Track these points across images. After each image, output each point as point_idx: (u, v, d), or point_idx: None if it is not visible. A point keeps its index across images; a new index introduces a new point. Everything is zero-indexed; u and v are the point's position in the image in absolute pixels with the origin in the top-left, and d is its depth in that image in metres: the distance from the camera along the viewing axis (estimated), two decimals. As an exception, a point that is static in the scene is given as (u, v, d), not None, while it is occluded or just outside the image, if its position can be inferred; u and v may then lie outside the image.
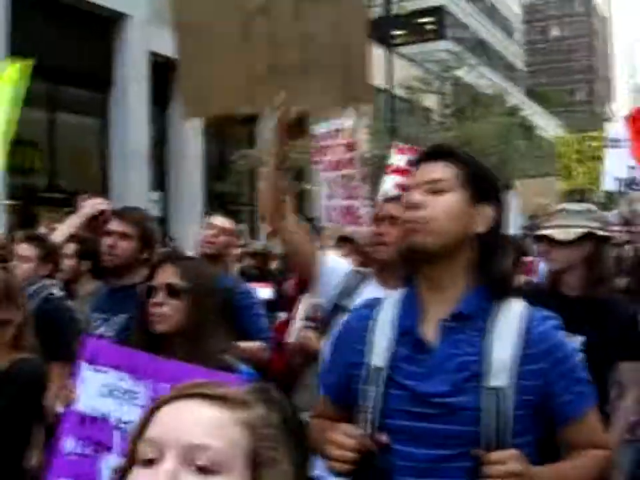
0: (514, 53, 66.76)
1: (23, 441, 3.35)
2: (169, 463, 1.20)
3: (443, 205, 2.15)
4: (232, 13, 3.25)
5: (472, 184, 2.19)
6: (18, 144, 15.49)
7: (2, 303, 3.34)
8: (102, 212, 4.74)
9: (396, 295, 2.33)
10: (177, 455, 1.20)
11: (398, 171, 7.03)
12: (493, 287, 2.18)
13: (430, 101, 27.57)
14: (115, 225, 4.12)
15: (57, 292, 4.84)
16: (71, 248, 5.38)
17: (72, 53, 16.45)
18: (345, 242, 5.02)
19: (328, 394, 2.46)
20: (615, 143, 8.48)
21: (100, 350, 2.93)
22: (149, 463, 1.22)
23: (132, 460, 1.26)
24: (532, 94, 65.75)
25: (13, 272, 3.52)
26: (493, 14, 61.14)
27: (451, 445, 2.04)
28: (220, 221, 5.32)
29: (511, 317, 2.14)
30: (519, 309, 2.18)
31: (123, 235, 4.06)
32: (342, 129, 7.33)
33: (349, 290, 3.47)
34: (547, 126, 50.24)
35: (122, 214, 4.24)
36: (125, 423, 2.71)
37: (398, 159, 7.19)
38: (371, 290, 3.44)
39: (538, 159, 28.57)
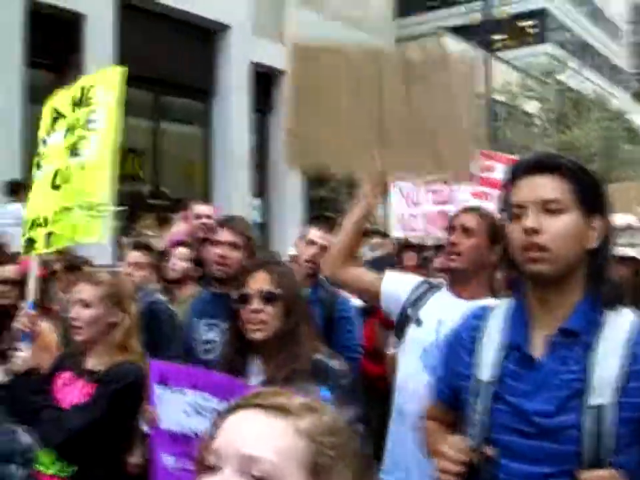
0: (619, 54, 64.94)
1: (122, 439, 3.49)
2: (225, 473, 1.26)
3: (562, 229, 2.07)
4: (346, 79, 3.39)
5: (585, 199, 2.11)
6: (124, 152, 16.10)
7: (111, 307, 3.50)
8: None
9: (504, 305, 2.30)
10: (234, 466, 1.26)
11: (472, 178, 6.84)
12: (602, 298, 2.13)
13: (531, 106, 27.10)
14: (224, 236, 4.14)
15: (161, 297, 5.02)
16: (185, 252, 5.57)
17: (176, 64, 16.85)
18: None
19: (438, 399, 2.49)
20: None
21: (168, 371, 2.99)
22: (212, 471, 1.29)
23: (201, 468, 1.33)
24: (639, 97, 63.77)
25: (122, 277, 3.68)
26: (596, 15, 59.60)
27: (552, 462, 2.01)
28: (319, 237, 4.99)
29: (619, 330, 2.08)
30: (628, 321, 2.11)
31: (233, 245, 4.09)
32: None
33: (415, 301, 3.51)
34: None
35: (230, 224, 4.25)
36: None
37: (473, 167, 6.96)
38: (440, 297, 3.47)
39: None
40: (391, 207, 7.49)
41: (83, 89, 3.98)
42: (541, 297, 2.16)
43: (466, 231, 3.45)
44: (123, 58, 15.01)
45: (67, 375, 3.51)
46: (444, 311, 3.39)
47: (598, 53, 58.13)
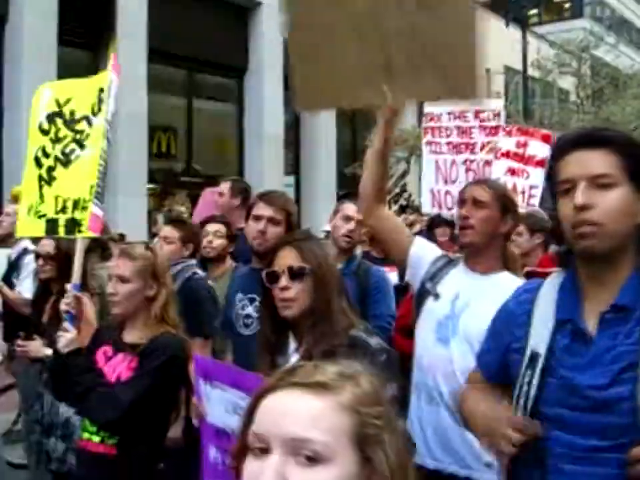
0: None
1: (165, 413, 3.56)
2: (274, 457, 1.26)
3: (613, 204, 2.05)
4: (343, 10, 3.35)
5: (635, 173, 2.08)
6: (158, 129, 16.18)
7: (148, 281, 3.56)
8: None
9: (555, 280, 2.28)
10: (282, 448, 1.26)
11: (507, 154, 6.69)
12: None
13: (567, 82, 26.75)
14: (263, 210, 4.12)
15: (199, 272, 5.06)
16: (219, 228, 5.59)
17: (209, 41, 16.88)
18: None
19: (484, 371, 2.48)
20: None
21: (211, 368, 2.99)
22: (259, 453, 1.29)
23: (243, 448, 1.34)
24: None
25: (157, 251, 3.74)
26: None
27: (607, 435, 2.00)
28: (354, 211, 4.92)
29: None
30: None
31: (272, 220, 4.08)
32: (481, 110, 6.96)
33: (434, 274, 3.54)
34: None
35: (270, 199, 4.23)
36: None
37: (506, 142, 6.79)
38: (457, 273, 3.48)
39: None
40: (423, 181, 7.35)
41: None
42: (592, 273, 2.15)
43: (477, 203, 3.46)
44: (155, 35, 15.07)
45: (107, 349, 3.58)
46: (460, 285, 3.43)
47: (636, 28, 57.21)
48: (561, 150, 2.19)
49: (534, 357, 2.16)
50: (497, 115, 7.07)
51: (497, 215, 3.47)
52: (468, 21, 3.26)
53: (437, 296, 3.48)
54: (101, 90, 3.94)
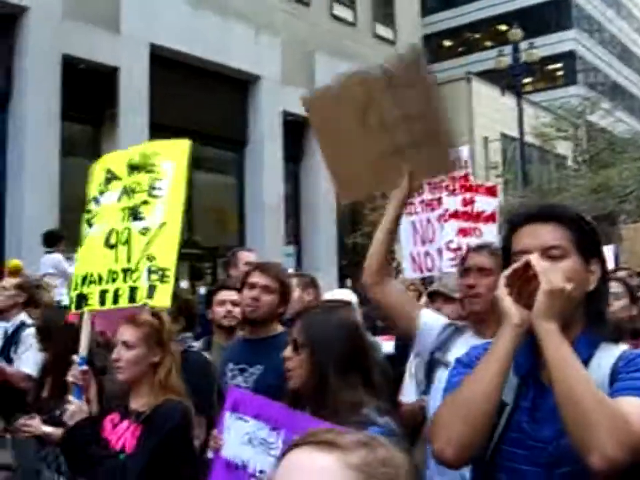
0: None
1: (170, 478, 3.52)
2: None
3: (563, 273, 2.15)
4: (350, 111, 3.59)
5: (584, 246, 2.21)
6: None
7: (153, 348, 3.59)
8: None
9: None
10: None
11: (456, 214, 6.47)
12: (598, 334, 2.21)
13: (563, 147, 27.05)
14: (257, 278, 4.23)
15: (195, 344, 5.00)
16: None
17: (209, 115, 17.11)
18: (437, 296, 4.74)
19: None
20: None
21: (242, 399, 3.10)
22: None
23: None
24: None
25: (164, 318, 3.75)
26: (626, 56, 59.68)
27: None
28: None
29: (603, 361, 2.15)
30: (617, 353, 2.17)
31: (266, 288, 4.19)
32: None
33: (444, 344, 3.53)
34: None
35: (264, 268, 4.37)
36: (260, 472, 2.82)
37: (452, 201, 6.51)
38: (465, 341, 3.45)
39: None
40: (403, 247, 7.10)
41: (144, 155, 4.11)
42: None
43: (481, 270, 3.50)
44: (156, 110, 15.29)
45: (114, 416, 3.60)
46: None
47: (629, 92, 58.06)
48: (513, 224, 2.32)
49: (502, 405, 2.18)
50: (466, 161, 7.00)
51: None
52: (436, 94, 3.48)
53: (447, 365, 3.46)
54: (108, 170, 4.09)
